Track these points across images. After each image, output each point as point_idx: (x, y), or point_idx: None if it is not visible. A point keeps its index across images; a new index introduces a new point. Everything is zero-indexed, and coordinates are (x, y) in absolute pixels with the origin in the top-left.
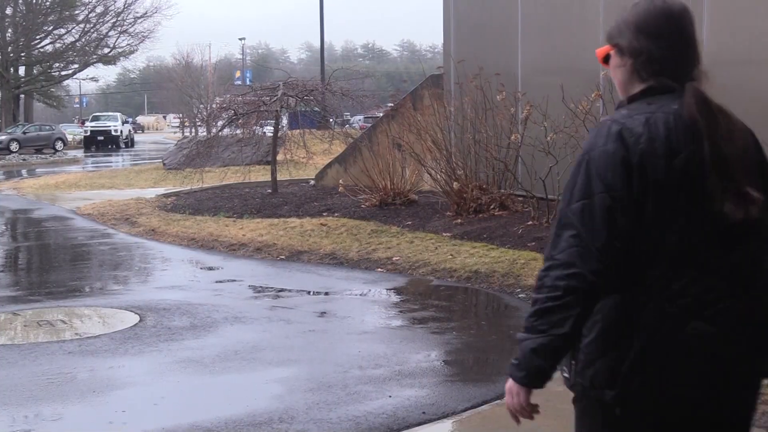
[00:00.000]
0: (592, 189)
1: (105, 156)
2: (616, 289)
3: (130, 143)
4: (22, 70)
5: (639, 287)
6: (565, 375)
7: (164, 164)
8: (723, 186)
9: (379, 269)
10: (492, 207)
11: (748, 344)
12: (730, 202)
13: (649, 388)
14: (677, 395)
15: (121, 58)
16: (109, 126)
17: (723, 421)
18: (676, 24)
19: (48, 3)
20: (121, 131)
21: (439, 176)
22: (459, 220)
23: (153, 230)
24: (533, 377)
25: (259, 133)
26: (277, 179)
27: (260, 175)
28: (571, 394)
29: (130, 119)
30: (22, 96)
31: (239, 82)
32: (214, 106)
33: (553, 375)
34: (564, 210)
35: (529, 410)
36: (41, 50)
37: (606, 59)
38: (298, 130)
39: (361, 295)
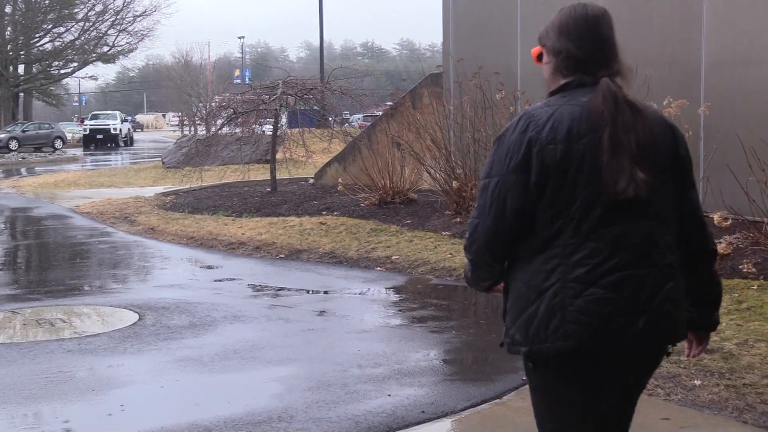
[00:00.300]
0: (494, 171)
1: (104, 154)
2: (525, 262)
3: (129, 142)
4: (21, 69)
5: (544, 259)
6: (505, 341)
7: (163, 163)
8: (617, 168)
9: (379, 268)
10: None
11: (642, 310)
12: (622, 181)
13: (552, 345)
14: (576, 351)
15: (121, 56)
16: (109, 124)
17: (620, 378)
18: (592, 27)
19: (47, 1)
20: (121, 130)
21: (438, 175)
22: (458, 219)
23: (152, 229)
24: (484, 289)
25: (259, 132)
26: (277, 178)
27: (259, 173)
28: None
29: (130, 118)
30: (22, 94)
31: (238, 81)
32: (213, 104)
33: (493, 281)
34: (479, 186)
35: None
36: (40, 48)
37: (540, 58)
38: (297, 129)
39: (360, 294)
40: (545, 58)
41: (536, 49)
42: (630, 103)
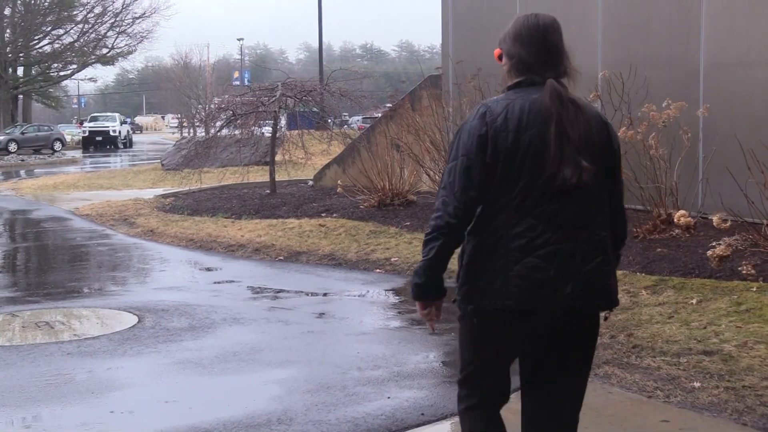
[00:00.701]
0: (458, 153)
1: (103, 156)
2: (476, 232)
3: (128, 144)
4: (20, 71)
5: (491, 230)
6: (456, 297)
7: (163, 165)
8: (562, 154)
9: (378, 270)
10: None
11: (570, 278)
12: (568, 169)
13: (494, 304)
14: (515, 311)
15: (120, 58)
16: (108, 126)
17: (560, 335)
18: (542, 36)
19: (46, 3)
20: (120, 132)
21: (437, 177)
22: None
23: (151, 231)
24: (417, 291)
25: (258, 134)
26: (276, 180)
27: (259, 175)
28: None
29: (129, 120)
30: (21, 96)
31: (237, 83)
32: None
33: (434, 292)
34: (444, 169)
35: (431, 320)
36: (40, 51)
37: (501, 57)
38: (296, 131)
39: (359, 296)
40: (502, 60)
41: (497, 51)
42: (573, 101)
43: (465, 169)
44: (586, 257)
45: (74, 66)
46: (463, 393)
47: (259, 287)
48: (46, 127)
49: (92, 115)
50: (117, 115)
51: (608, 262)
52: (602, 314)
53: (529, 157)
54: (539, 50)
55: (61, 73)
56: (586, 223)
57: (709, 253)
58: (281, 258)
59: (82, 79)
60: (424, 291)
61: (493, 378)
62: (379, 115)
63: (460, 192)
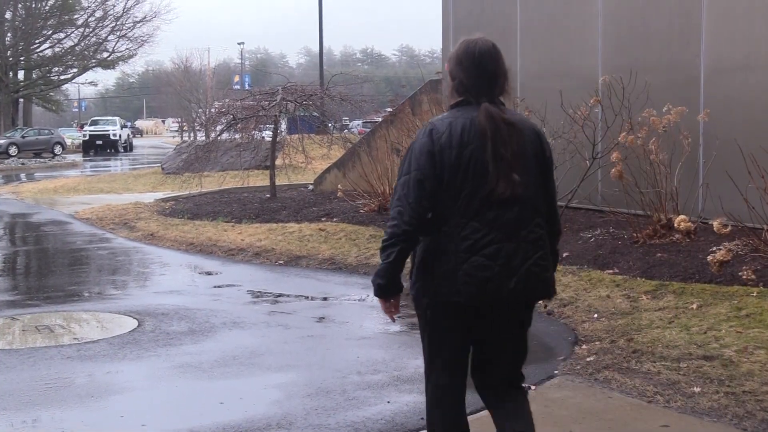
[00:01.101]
0: (411, 168)
1: (104, 160)
2: (428, 235)
3: (128, 147)
4: (21, 74)
5: (441, 234)
6: (411, 293)
7: (163, 169)
8: (498, 172)
9: None
10: None
11: (514, 273)
12: (502, 183)
13: (446, 298)
14: (463, 304)
15: (120, 62)
16: (108, 130)
17: (500, 324)
18: (478, 62)
19: (47, 7)
20: (120, 135)
21: None
22: None
23: (151, 235)
24: (378, 290)
25: (258, 138)
26: (276, 184)
27: (259, 179)
28: (570, 399)
29: (129, 123)
30: (21, 100)
31: (238, 87)
32: (212, 110)
33: (394, 290)
34: (397, 182)
35: (390, 312)
36: (40, 54)
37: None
38: (296, 135)
39: (359, 300)
40: (447, 80)
41: (447, 66)
42: (506, 121)
43: (418, 182)
44: (527, 254)
45: (75, 70)
46: (428, 371)
47: (259, 291)
48: (46, 131)
49: (93, 118)
50: (117, 118)
51: (546, 257)
52: (542, 302)
53: (471, 169)
54: (476, 76)
55: (62, 77)
56: (525, 224)
57: (710, 258)
58: (281, 262)
59: (82, 83)
60: (384, 290)
61: (450, 355)
62: (380, 119)
63: (415, 202)
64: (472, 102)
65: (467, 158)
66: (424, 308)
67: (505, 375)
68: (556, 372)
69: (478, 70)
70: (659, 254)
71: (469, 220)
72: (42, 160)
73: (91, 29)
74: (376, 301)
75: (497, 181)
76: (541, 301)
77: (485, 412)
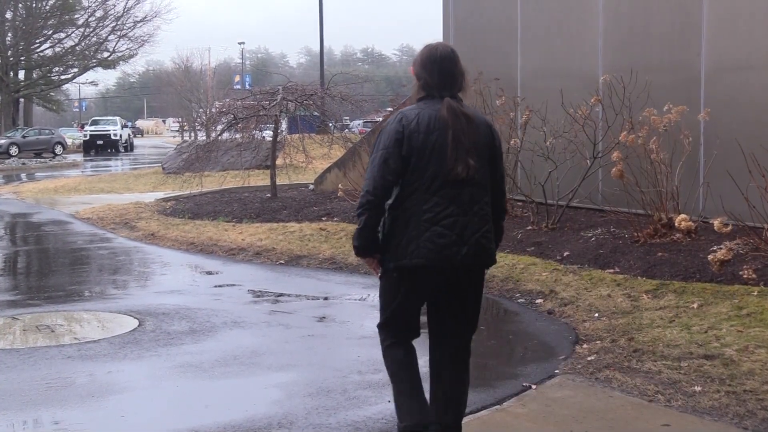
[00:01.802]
0: (379, 147)
1: (104, 160)
2: (395, 208)
3: (129, 147)
4: (21, 74)
5: (406, 207)
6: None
7: (163, 168)
8: (456, 156)
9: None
10: None
11: (465, 242)
12: (460, 166)
13: (409, 261)
14: (424, 267)
15: (121, 62)
16: (109, 130)
17: (455, 288)
18: (439, 64)
19: (48, 7)
20: (121, 135)
21: None
22: None
23: (152, 234)
24: (356, 251)
25: (259, 138)
26: (277, 184)
27: (259, 179)
28: (571, 399)
29: (130, 123)
30: (22, 100)
31: (238, 87)
32: (213, 110)
33: (370, 251)
34: (369, 161)
35: (372, 267)
36: (41, 54)
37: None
38: (297, 135)
39: (360, 299)
40: (414, 79)
41: (411, 69)
42: (464, 114)
43: (384, 160)
44: (477, 227)
45: (75, 69)
46: (383, 334)
47: (260, 291)
48: (47, 131)
49: (93, 118)
50: (118, 118)
51: (491, 230)
52: (486, 271)
53: (435, 153)
54: (438, 76)
55: (63, 77)
56: (476, 201)
57: (710, 257)
58: (282, 262)
59: (83, 83)
60: (361, 250)
61: (406, 317)
62: (380, 119)
63: (380, 177)
64: (435, 96)
65: (432, 143)
66: (390, 271)
67: (455, 342)
68: (556, 371)
69: (440, 71)
70: (660, 253)
71: (432, 196)
72: (43, 160)
73: (91, 29)
74: (377, 300)
75: (455, 163)
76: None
77: (486, 412)
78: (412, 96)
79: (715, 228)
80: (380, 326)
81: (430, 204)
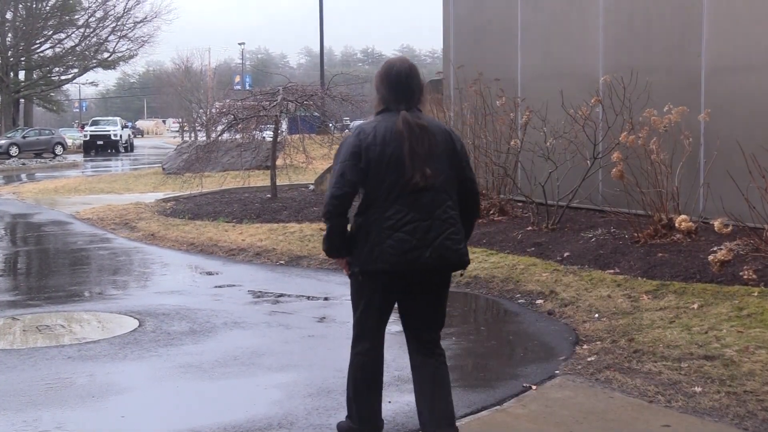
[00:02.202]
0: (340, 160)
1: (104, 160)
2: (358, 216)
3: (129, 148)
4: (21, 75)
5: (368, 215)
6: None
7: (164, 169)
8: (413, 166)
9: None
10: (491, 212)
11: (428, 246)
12: (417, 175)
13: (373, 266)
14: (388, 271)
15: (121, 62)
16: (109, 130)
17: (421, 289)
18: (396, 80)
19: (48, 7)
20: (121, 136)
21: None
22: None
23: (152, 235)
24: (327, 254)
25: (259, 138)
26: (277, 184)
27: (260, 179)
28: (571, 399)
29: (130, 124)
30: (22, 100)
31: (239, 87)
32: (213, 110)
33: (338, 254)
34: (332, 173)
35: (342, 266)
36: (41, 55)
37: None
38: (297, 135)
39: None
40: (375, 93)
41: (375, 83)
42: (420, 125)
43: (341, 173)
44: (439, 230)
45: (75, 70)
46: (355, 335)
47: (260, 291)
48: (47, 131)
49: (93, 119)
50: (118, 119)
51: (457, 232)
52: (459, 272)
53: (392, 164)
54: (395, 91)
55: (63, 77)
56: (438, 206)
57: (711, 257)
58: (282, 262)
59: (83, 83)
60: (330, 253)
61: (374, 317)
62: None
63: (338, 188)
64: (393, 110)
65: (389, 155)
66: (356, 275)
67: (427, 338)
68: (557, 372)
69: (396, 87)
70: (660, 254)
71: (392, 204)
72: (43, 160)
73: (91, 29)
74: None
75: (413, 172)
76: (459, 272)
77: (486, 412)
78: (374, 108)
79: (716, 229)
80: (354, 326)
81: (390, 212)
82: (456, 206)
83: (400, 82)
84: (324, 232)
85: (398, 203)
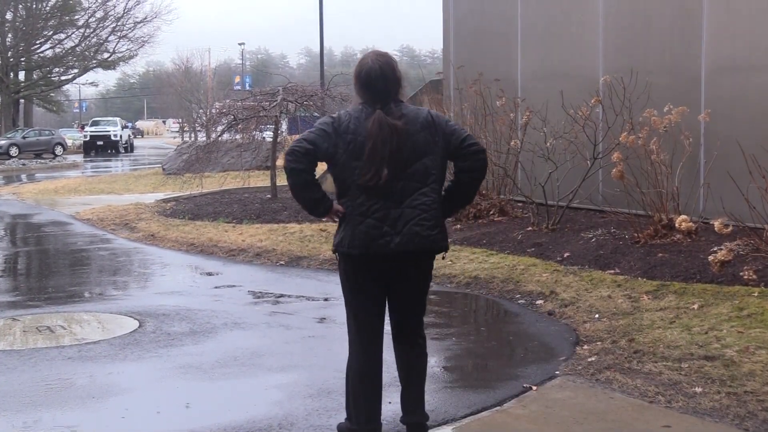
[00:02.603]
0: (308, 129)
1: (104, 161)
2: (339, 199)
3: (129, 148)
4: (21, 75)
5: (343, 202)
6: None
7: (163, 169)
8: (369, 165)
9: None
10: (491, 212)
11: (398, 232)
12: (369, 174)
13: (350, 249)
14: (363, 254)
15: (121, 62)
16: (109, 131)
17: (404, 272)
18: (365, 80)
19: (48, 8)
20: (121, 136)
21: None
22: (458, 226)
23: (152, 235)
24: (308, 211)
25: (259, 139)
26: (277, 184)
27: (260, 180)
28: (571, 400)
29: (130, 124)
30: (22, 101)
31: (239, 87)
32: (213, 111)
33: (323, 208)
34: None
35: (332, 216)
36: (41, 55)
37: None
38: (297, 135)
39: None
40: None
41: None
42: (391, 126)
43: (305, 136)
44: (409, 217)
45: (75, 70)
46: (348, 313)
47: (260, 292)
48: (47, 132)
49: (93, 119)
50: (118, 119)
51: (429, 219)
52: (441, 255)
53: (360, 154)
54: (368, 91)
55: (63, 78)
56: (409, 194)
57: (711, 258)
58: (282, 263)
59: (83, 84)
60: (310, 209)
61: (366, 301)
62: None
63: (295, 143)
64: (369, 105)
65: (360, 143)
66: (339, 260)
67: (407, 327)
68: (557, 372)
69: (368, 87)
70: (660, 254)
71: (362, 192)
72: (43, 160)
73: (91, 30)
74: None
75: (367, 171)
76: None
77: (486, 413)
78: (355, 101)
79: (716, 229)
80: (346, 309)
81: (360, 199)
82: (433, 192)
83: (370, 82)
84: (293, 195)
85: (367, 192)
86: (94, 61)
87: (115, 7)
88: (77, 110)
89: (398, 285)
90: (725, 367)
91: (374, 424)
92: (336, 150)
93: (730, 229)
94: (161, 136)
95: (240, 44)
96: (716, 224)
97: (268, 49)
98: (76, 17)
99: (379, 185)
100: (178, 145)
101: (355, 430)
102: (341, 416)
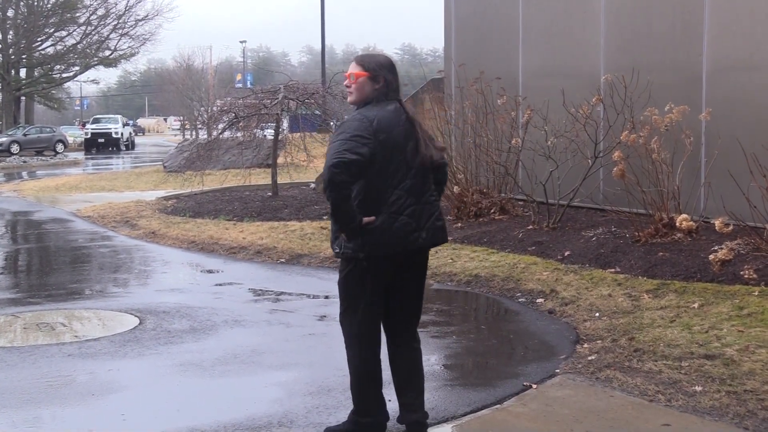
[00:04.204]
0: (342, 137)
1: (105, 158)
2: (363, 203)
3: (130, 146)
4: (23, 72)
5: (374, 199)
6: (336, 250)
7: (165, 167)
8: (429, 149)
9: None
10: (492, 211)
11: (423, 228)
12: (421, 156)
13: (383, 250)
14: (391, 253)
15: (122, 60)
16: (110, 128)
17: (414, 267)
18: (393, 65)
19: (49, 5)
20: (122, 133)
21: None
22: (459, 224)
23: (153, 233)
24: (345, 229)
25: (260, 136)
26: (278, 182)
27: (261, 178)
28: (571, 398)
29: (131, 122)
30: (23, 98)
31: (240, 85)
32: (214, 108)
33: (357, 225)
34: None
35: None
36: (42, 52)
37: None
38: (298, 133)
39: None
40: (369, 83)
41: (358, 73)
42: (411, 118)
43: (346, 146)
44: (430, 213)
45: (77, 68)
46: (347, 321)
47: (261, 290)
48: (48, 129)
49: (94, 117)
50: (119, 117)
51: (441, 213)
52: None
53: (397, 149)
54: (396, 76)
55: (64, 75)
56: (424, 192)
57: (711, 257)
58: (283, 260)
59: (84, 81)
60: (348, 228)
61: (379, 300)
62: None
63: (339, 155)
64: (383, 100)
65: (393, 140)
66: (360, 261)
67: (407, 321)
68: (557, 371)
69: (395, 74)
70: (661, 253)
71: (394, 189)
72: (44, 158)
73: (93, 27)
74: None
75: (431, 152)
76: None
77: (486, 411)
78: (363, 98)
79: (716, 228)
80: (342, 315)
81: (394, 197)
82: (434, 191)
83: (396, 70)
84: (332, 213)
85: (399, 189)
86: (96, 59)
87: (116, 4)
88: (78, 107)
89: (405, 282)
90: (725, 366)
91: (381, 416)
92: (374, 152)
93: (730, 228)
94: (162, 134)
95: (241, 42)
96: (717, 223)
97: (269, 47)
98: (78, 14)
99: (417, 179)
100: (179, 143)
101: (367, 422)
102: (341, 414)
